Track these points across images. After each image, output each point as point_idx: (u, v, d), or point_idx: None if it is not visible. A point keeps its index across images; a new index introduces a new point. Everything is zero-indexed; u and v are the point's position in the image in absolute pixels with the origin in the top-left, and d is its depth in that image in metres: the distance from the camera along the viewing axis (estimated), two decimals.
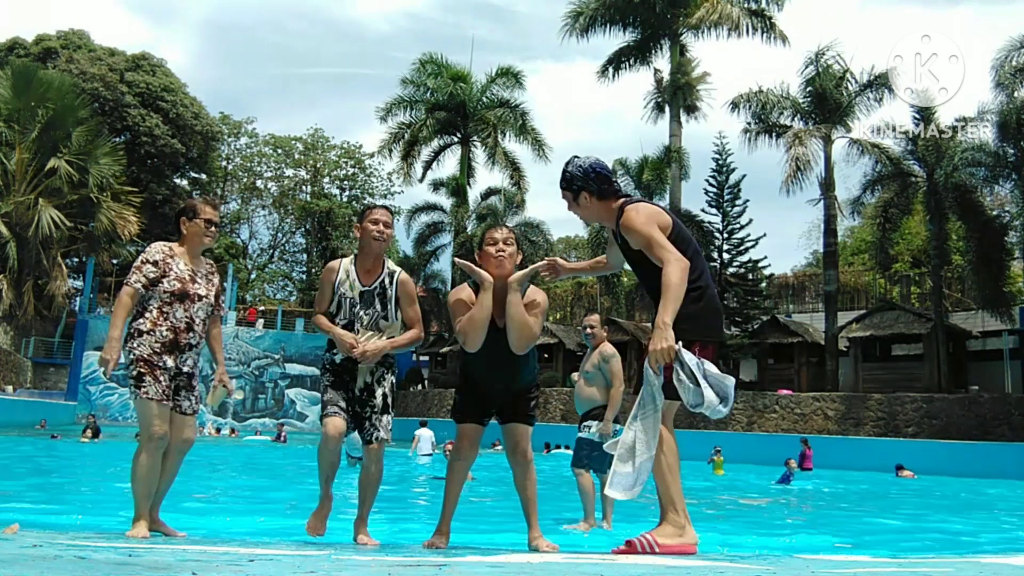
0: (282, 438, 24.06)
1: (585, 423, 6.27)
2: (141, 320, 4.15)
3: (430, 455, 16.39)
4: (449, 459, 4.26)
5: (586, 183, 3.64)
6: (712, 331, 3.59)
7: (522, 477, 4.18)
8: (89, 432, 18.81)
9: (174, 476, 4.34)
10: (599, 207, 3.70)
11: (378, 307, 4.20)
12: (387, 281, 4.23)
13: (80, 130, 28.25)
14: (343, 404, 4.11)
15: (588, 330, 6.44)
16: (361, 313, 4.17)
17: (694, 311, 3.46)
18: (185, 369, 4.25)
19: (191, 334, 4.25)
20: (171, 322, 4.18)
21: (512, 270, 4.01)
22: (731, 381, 3.43)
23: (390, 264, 4.29)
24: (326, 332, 4.19)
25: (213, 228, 4.41)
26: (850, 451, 20.18)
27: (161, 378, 4.11)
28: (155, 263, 4.19)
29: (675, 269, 3.38)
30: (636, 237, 3.52)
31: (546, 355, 28.12)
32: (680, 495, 3.55)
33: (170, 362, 4.16)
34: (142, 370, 4.07)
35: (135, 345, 4.12)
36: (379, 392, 4.17)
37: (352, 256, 4.34)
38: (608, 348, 6.33)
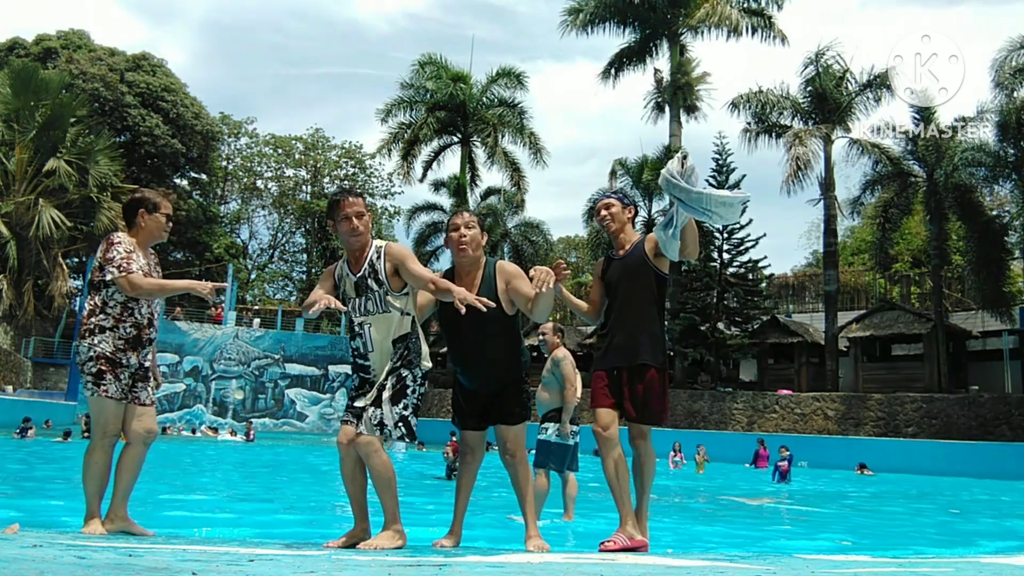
0: (250, 437, 23.94)
1: (543, 425, 6.53)
2: (103, 316, 4.05)
3: (402, 453, 18.29)
4: (458, 464, 4.27)
5: (636, 206, 4.54)
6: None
7: (514, 477, 4.16)
8: (72, 435, 18.41)
9: (139, 470, 4.23)
10: (629, 227, 4.45)
11: (374, 286, 3.91)
12: (374, 258, 3.94)
13: (76, 129, 28.21)
14: (357, 411, 3.86)
15: (541, 337, 6.74)
16: (366, 303, 3.90)
17: (664, 344, 4.34)
18: (146, 364, 4.20)
19: (151, 329, 4.20)
20: (135, 318, 4.11)
21: (477, 254, 4.08)
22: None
23: (376, 242, 4.00)
24: (306, 308, 3.84)
25: (170, 223, 4.33)
26: (847, 451, 20.17)
27: (121, 376, 4.05)
28: (130, 253, 4.10)
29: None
30: (664, 261, 4.31)
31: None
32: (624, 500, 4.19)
33: (133, 359, 4.10)
34: (103, 368, 4.00)
35: (96, 342, 4.03)
36: (380, 382, 3.86)
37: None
38: (559, 352, 6.60)
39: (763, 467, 18.50)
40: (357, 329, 3.96)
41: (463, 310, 3.62)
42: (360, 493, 3.96)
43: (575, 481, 6.73)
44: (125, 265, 4.02)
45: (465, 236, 4.05)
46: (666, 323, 4.48)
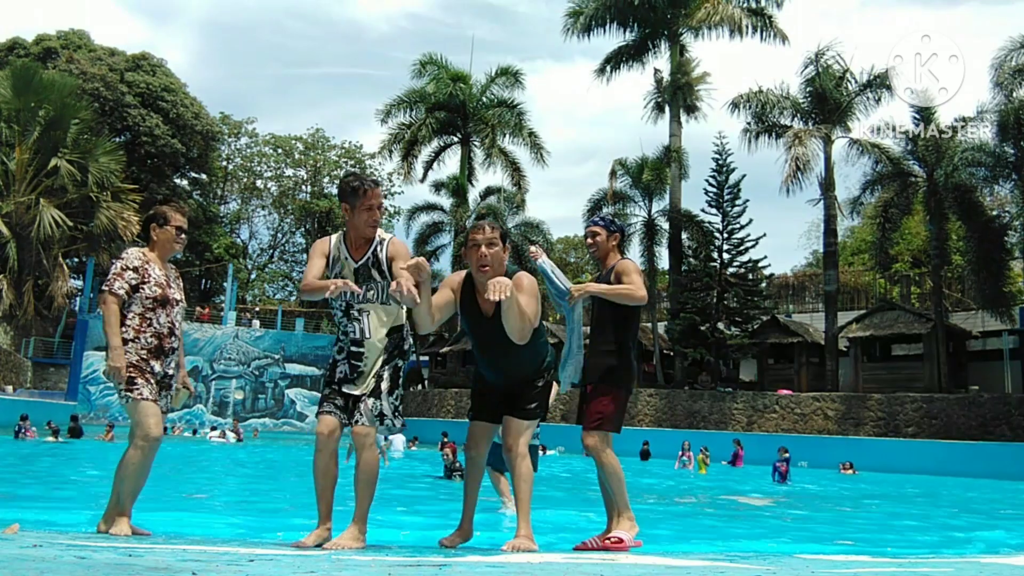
0: (240, 437, 23.85)
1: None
2: (124, 328, 4.13)
3: (400, 452, 18.69)
4: (463, 458, 4.26)
5: (622, 233, 4.79)
6: (626, 383, 4.45)
7: (511, 473, 4.09)
8: (60, 434, 18.34)
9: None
10: (613, 253, 4.68)
11: (378, 277, 3.93)
12: (378, 248, 3.97)
13: (76, 128, 28.18)
14: (340, 401, 3.88)
15: None
16: (367, 292, 3.89)
17: (613, 364, 4.38)
18: (169, 372, 4.29)
19: (172, 338, 4.29)
20: (155, 328, 4.19)
21: (499, 269, 3.91)
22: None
23: (380, 233, 4.01)
24: (317, 290, 3.79)
25: (183, 235, 4.42)
26: (847, 451, 20.16)
27: (151, 380, 4.14)
28: (135, 269, 4.19)
29: (640, 293, 4.32)
30: (631, 276, 4.44)
31: None
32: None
33: (157, 367, 4.19)
34: (132, 374, 4.08)
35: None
36: (376, 373, 3.89)
37: (340, 234, 4.05)
38: None
39: (739, 466, 19.25)
40: (355, 315, 3.93)
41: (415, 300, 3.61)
42: (330, 490, 3.93)
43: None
44: (108, 282, 4.15)
45: (486, 256, 3.88)
46: (633, 344, 4.54)
